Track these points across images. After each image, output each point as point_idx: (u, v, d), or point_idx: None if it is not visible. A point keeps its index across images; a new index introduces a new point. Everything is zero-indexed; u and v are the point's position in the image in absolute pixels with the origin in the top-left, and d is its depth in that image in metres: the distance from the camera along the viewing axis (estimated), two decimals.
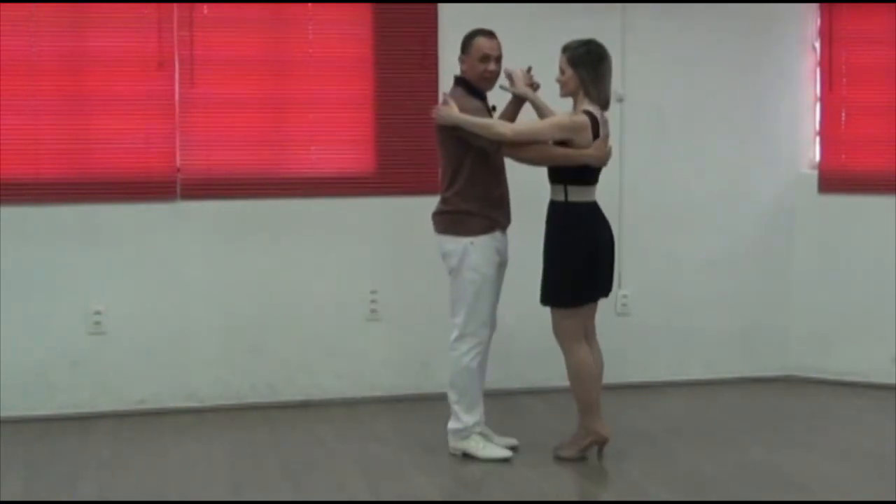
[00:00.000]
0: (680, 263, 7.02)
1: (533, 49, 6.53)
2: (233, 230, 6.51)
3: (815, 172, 7.07)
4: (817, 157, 7.11)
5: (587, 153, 5.42)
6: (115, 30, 6.28)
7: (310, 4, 6.53)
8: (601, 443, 5.63)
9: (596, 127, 5.44)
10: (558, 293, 5.53)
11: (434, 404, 6.35)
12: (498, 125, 5.45)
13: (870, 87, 6.94)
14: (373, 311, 6.63)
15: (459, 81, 5.61)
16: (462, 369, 5.54)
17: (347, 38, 6.49)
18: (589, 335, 5.67)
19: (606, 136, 5.50)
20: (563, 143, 5.43)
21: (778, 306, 7.12)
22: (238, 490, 5.27)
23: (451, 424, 5.65)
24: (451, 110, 5.43)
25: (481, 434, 5.64)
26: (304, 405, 6.56)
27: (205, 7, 6.36)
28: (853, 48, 6.95)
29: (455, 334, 5.56)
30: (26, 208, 6.25)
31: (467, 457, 5.61)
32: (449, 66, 5.98)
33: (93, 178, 6.33)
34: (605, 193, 6.85)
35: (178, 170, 6.44)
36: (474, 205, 5.49)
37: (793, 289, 7.11)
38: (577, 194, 5.50)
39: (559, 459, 5.61)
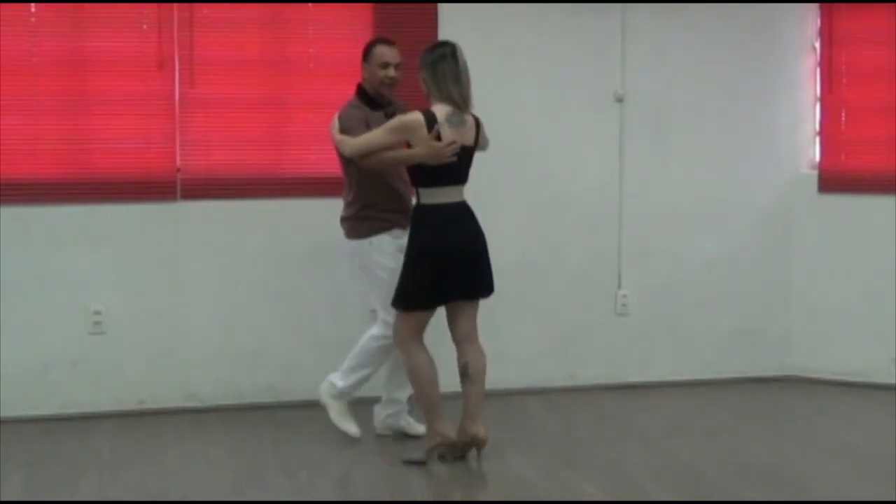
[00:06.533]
0: (680, 263, 7.01)
1: (533, 48, 6.55)
2: (233, 230, 6.52)
3: (815, 172, 7.07)
4: (817, 157, 7.10)
5: (415, 152, 5.43)
6: (115, 30, 6.28)
7: (310, 4, 6.53)
8: (447, 444, 5.50)
9: (432, 125, 5.38)
10: (400, 295, 5.55)
11: None
12: (344, 141, 5.59)
13: (870, 88, 6.94)
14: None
15: (357, 89, 5.81)
16: (375, 349, 5.80)
17: (347, 38, 6.48)
18: (468, 337, 5.59)
19: (438, 135, 5.35)
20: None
21: (778, 306, 7.12)
22: (238, 490, 5.27)
23: (331, 377, 5.87)
24: (332, 128, 5.66)
25: (346, 405, 5.89)
26: (304, 405, 6.55)
27: (205, 7, 6.36)
28: (853, 48, 6.95)
29: (383, 327, 5.74)
30: (26, 208, 6.25)
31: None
32: None
33: (93, 178, 6.33)
34: (605, 193, 6.92)
35: (178, 170, 6.44)
36: (369, 209, 5.74)
37: (793, 289, 7.11)
38: (427, 196, 5.53)
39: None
